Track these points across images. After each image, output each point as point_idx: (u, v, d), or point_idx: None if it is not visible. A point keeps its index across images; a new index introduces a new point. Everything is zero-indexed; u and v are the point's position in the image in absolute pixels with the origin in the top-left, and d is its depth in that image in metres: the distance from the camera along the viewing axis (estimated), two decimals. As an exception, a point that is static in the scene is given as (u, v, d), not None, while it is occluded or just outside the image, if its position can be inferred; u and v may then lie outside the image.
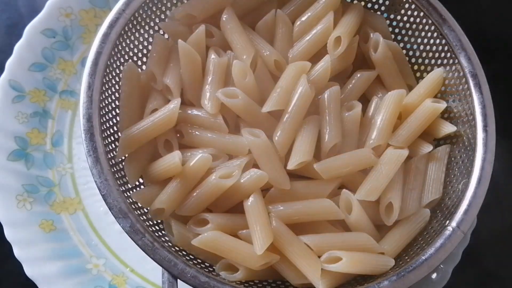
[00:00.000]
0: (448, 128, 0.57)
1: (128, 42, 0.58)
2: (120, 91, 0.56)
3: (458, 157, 0.56)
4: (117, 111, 0.56)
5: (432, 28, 0.59)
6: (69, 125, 0.69)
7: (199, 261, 0.53)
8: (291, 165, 0.53)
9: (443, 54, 0.59)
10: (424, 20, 0.59)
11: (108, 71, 0.54)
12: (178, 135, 0.57)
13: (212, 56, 0.57)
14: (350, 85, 0.60)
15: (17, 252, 0.60)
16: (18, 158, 0.65)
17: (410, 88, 0.60)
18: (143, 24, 0.59)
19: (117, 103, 0.56)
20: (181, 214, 0.53)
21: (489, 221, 0.65)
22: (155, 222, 0.54)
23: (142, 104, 0.58)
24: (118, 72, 0.56)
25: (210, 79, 0.56)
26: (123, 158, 0.55)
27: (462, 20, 0.58)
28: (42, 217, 0.64)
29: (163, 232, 0.54)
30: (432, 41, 0.59)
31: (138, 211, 0.52)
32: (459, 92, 0.57)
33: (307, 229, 0.53)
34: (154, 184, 0.55)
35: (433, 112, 0.56)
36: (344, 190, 0.53)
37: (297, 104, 0.54)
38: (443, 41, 0.58)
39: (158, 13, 0.60)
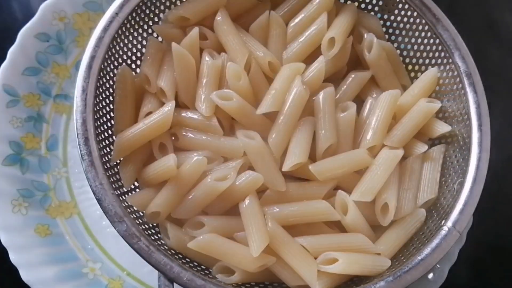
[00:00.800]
0: (443, 128, 0.57)
1: (122, 46, 0.57)
2: (114, 94, 0.56)
3: (453, 156, 0.56)
4: (112, 114, 0.56)
5: (426, 28, 0.59)
6: (63, 129, 0.69)
7: (195, 264, 0.52)
8: (286, 167, 0.53)
9: (437, 54, 0.59)
10: (418, 20, 0.59)
11: (102, 74, 0.54)
12: (173, 138, 0.57)
13: (206, 58, 0.57)
14: (345, 86, 0.60)
15: (13, 257, 0.60)
16: (13, 163, 0.65)
17: (404, 88, 0.60)
18: (137, 27, 0.59)
19: (111, 106, 0.56)
20: (176, 217, 0.53)
21: (485, 220, 0.65)
22: (150, 225, 0.54)
23: (136, 107, 0.57)
24: (112, 75, 0.56)
25: (204, 81, 0.56)
26: (118, 161, 0.55)
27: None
28: (38, 222, 0.63)
29: (158, 235, 0.53)
30: (426, 41, 0.59)
31: (133, 214, 0.52)
32: (453, 92, 0.57)
33: (303, 230, 0.53)
34: (149, 187, 0.55)
35: (427, 112, 0.56)
36: (339, 191, 0.53)
37: (292, 105, 0.54)
38: (437, 41, 0.58)
39: (152, 16, 0.60)
